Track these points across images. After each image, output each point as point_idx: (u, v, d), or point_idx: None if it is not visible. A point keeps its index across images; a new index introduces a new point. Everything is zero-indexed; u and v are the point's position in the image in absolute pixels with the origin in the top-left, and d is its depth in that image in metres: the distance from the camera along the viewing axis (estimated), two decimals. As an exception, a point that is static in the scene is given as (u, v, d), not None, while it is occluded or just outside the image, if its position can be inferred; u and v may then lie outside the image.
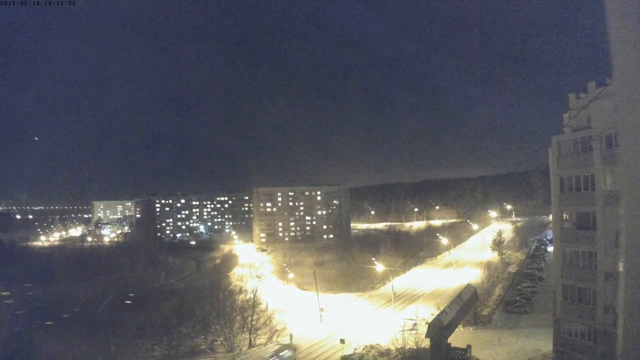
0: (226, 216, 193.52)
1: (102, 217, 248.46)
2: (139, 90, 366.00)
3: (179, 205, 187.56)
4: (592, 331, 27.19)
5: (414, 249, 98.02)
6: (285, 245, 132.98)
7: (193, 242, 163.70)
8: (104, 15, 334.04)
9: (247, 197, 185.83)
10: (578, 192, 28.19)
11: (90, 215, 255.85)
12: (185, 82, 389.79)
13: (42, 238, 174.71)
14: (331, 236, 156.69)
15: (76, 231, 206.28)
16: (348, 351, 39.68)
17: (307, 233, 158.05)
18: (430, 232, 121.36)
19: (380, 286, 68.63)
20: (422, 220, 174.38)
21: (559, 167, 29.73)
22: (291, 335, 45.36)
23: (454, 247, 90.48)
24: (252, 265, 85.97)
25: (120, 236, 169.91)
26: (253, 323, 48.95)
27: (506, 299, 56.35)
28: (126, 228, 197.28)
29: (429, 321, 38.39)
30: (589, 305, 27.52)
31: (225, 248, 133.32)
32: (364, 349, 40.08)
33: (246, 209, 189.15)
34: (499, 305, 53.62)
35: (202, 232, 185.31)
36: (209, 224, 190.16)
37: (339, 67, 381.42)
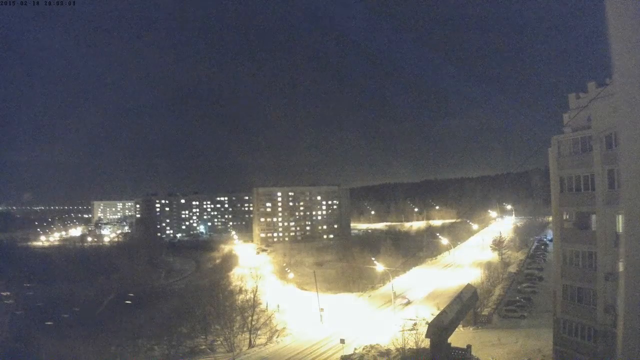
0: (226, 216, 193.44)
1: (102, 217, 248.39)
2: (139, 90, 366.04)
3: (179, 205, 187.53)
4: (592, 331, 27.18)
5: (414, 249, 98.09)
6: (285, 245, 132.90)
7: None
8: (104, 15, 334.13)
9: (247, 197, 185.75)
10: (578, 192, 28.17)
11: (90, 215, 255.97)
12: (185, 82, 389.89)
13: (42, 238, 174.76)
14: (331, 236, 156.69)
15: (76, 231, 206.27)
16: (348, 351, 39.68)
17: (307, 233, 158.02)
18: (430, 232, 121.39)
19: (381, 286, 68.62)
20: (422, 220, 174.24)
21: (559, 167, 29.72)
22: None
23: (454, 247, 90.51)
24: (252, 265, 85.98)
25: (120, 236, 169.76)
26: (253, 323, 48.94)
27: (506, 299, 56.32)
28: (126, 228, 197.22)
29: (429, 321, 38.42)
30: (589, 305, 27.50)
31: (225, 248, 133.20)
32: (364, 349, 40.05)
33: (246, 209, 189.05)
34: (499, 305, 53.59)
35: (202, 232, 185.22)
36: (209, 224, 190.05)
37: (339, 67, 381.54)
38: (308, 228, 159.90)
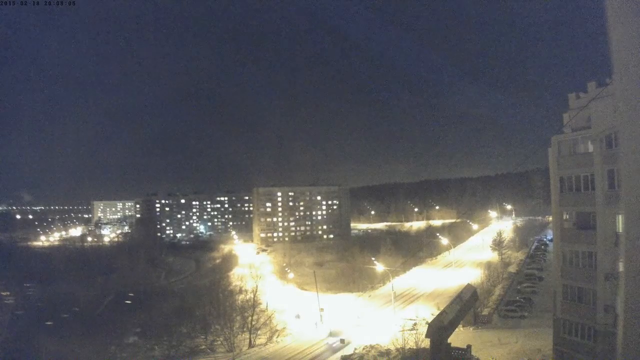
0: (226, 216, 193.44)
1: (102, 217, 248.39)
2: (139, 90, 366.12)
3: (179, 205, 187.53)
4: (592, 331, 27.18)
5: (414, 249, 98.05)
6: (285, 245, 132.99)
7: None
8: (104, 15, 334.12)
9: (247, 197, 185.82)
10: (578, 192, 28.17)
11: (90, 215, 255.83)
12: (185, 81, 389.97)
13: (42, 238, 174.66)
14: (331, 236, 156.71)
15: (76, 231, 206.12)
16: (348, 351, 39.68)
17: (307, 233, 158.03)
18: (430, 232, 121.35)
19: (380, 286, 68.63)
20: (422, 220, 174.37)
21: (559, 167, 29.72)
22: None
23: (454, 247, 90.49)
24: (252, 265, 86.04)
25: (120, 236, 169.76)
26: (253, 323, 48.92)
27: (506, 299, 56.33)
28: (126, 228, 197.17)
29: (429, 321, 38.43)
30: (589, 305, 27.50)
31: (225, 248, 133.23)
32: (364, 349, 40.07)
33: (246, 209, 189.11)
34: (499, 305, 53.60)
35: (202, 232, 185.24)
36: (209, 224, 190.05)
37: (339, 67, 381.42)
38: (308, 228, 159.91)
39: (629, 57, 6.25)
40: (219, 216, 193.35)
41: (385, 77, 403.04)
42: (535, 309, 50.43)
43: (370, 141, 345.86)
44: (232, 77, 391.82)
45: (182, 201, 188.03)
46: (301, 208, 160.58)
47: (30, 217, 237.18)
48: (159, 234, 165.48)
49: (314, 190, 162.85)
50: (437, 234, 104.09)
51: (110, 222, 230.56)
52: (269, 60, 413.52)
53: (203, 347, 47.64)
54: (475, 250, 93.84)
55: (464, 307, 41.71)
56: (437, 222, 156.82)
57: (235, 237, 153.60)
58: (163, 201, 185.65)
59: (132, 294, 66.98)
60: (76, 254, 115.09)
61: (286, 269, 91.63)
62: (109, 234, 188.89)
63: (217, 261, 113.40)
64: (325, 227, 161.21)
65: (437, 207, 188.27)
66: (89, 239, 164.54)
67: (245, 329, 48.77)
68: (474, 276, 64.29)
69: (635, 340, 6.54)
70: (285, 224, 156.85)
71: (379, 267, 67.57)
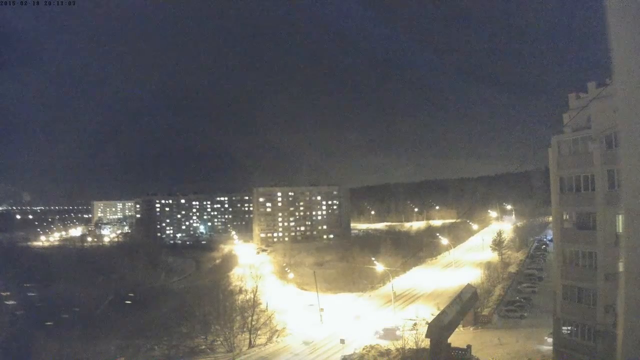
0: (226, 216, 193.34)
1: (102, 217, 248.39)
2: (139, 90, 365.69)
3: (179, 205, 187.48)
4: (592, 331, 27.19)
5: (414, 249, 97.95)
6: (285, 245, 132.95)
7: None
8: (104, 15, 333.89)
9: (247, 197, 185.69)
10: (578, 192, 28.19)
11: (90, 215, 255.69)
12: (185, 81, 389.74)
13: (42, 238, 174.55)
14: (331, 236, 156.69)
15: (76, 231, 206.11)
16: (348, 351, 39.68)
17: (307, 233, 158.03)
18: (430, 232, 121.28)
19: (380, 286, 68.63)
20: (422, 220, 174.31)
21: (559, 167, 29.73)
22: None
23: (454, 247, 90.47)
24: (252, 265, 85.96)
25: (120, 236, 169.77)
26: (253, 323, 48.92)
27: (506, 299, 56.32)
28: (126, 228, 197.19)
29: (429, 321, 38.45)
30: (589, 305, 27.52)
31: (225, 248, 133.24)
32: (364, 349, 40.07)
33: (246, 209, 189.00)
34: (499, 305, 53.58)
35: (202, 232, 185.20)
36: (209, 224, 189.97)
37: (339, 67, 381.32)
38: (308, 228, 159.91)
39: (629, 57, 6.25)
40: (219, 216, 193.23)
41: (385, 76, 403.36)
42: (535, 309, 50.41)
43: (370, 141, 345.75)
44: (232, 77, 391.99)
45: (182, 201, 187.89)
46: (301, 208, 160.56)
47: (30, 217, 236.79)
48: (159, 234, 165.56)
49: (314, 190, 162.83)
50: (437, 234, 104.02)
51: (110, 222, 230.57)
52: (269, 60, 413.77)
53: (203, 347, 47.63)
54: (475, 250, 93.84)
55: (464, 307, 41.79)
56: (437, 222, 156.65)
57: (235, 237, 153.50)
58: (163, 201, 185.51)
59: (132, 294, 66.96)
60: (76, 254, 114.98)
61: (286, 269, 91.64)
62: (109, 234, 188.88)
63: (217, 261, 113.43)
64: (325, 227, 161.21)
65: (437, 207, 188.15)
66: (89, 239, 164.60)
67: (245, 329, 48.75)
68: (474, 276, 64.27)
69: (635, 340, 6.55)
70: (285, 224, 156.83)
71: (379, 267, 67.56)
